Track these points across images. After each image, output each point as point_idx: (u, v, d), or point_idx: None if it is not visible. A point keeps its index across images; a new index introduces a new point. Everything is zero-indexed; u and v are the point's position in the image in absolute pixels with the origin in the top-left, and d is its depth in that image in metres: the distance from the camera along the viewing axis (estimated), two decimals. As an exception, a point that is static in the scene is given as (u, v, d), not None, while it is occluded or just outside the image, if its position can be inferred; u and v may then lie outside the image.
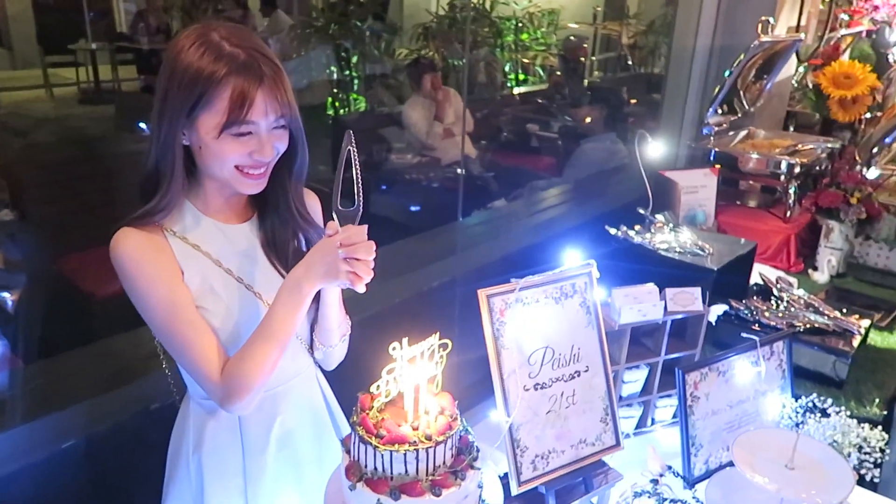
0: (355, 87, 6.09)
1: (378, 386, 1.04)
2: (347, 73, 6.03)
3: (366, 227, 1.10)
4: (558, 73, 6.81)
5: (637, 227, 2.36)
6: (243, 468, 1.26)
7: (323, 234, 1.30)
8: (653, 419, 1.78)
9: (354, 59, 6.08)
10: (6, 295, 2.21)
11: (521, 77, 7.65)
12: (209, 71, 1.06)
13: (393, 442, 1.01)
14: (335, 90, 5.87)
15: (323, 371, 1.41)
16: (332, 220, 1.10)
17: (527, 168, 4.87)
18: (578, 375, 1.34)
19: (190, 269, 1.16)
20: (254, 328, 1.14)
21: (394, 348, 1.03)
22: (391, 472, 1.02)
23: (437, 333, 1.09)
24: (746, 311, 2.14)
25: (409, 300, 2.16)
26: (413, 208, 3.91)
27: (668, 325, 1.66)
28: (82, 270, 3.18)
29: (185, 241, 1.17)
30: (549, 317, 1.31)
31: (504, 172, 4.64)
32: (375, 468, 1.03)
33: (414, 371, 1.05)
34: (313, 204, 1.34)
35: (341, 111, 5.90)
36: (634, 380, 1.71)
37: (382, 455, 1.01)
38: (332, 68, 5.88)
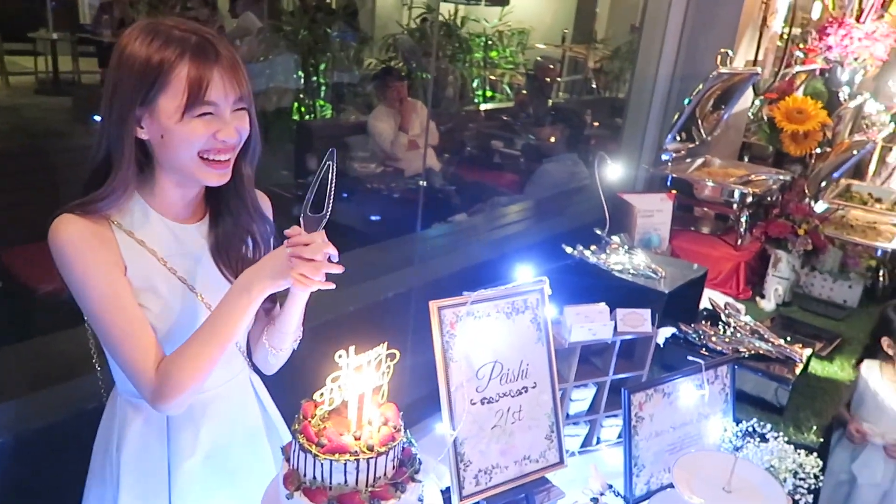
0: (322, 94, 6.05)
1: (321, 394, 1.02)
2: (315, 79, 6.00)
3: (321, 232, 1.08)
4: (524, 91, 6.89)
5: (593, 248, 2.39)
6: (168, 473, 1.23)
7: (273, 229, 1.30)
8: (598, 438, 1.79)
9: (322, 66, 6.05)
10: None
11: (489, 94, 7.71)
12: (161, 56, 1.05)
13: (333, 451, 1.00)
14: (301, 96, 5.83)
15: (263, 378, 1.38)
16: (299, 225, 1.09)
17: (489, 184, 4.91)
18: (526, 391, 1.35)
19: (133, 264, 1.13)
20: (192, 331, 1.12)
21: (339, 356, 1.02)
22: (330, 482, 1.01)
23: (385, 343, 1.08)
24: (694, 335, 2.18)
25: (364, 310, 2.14)
26: (373, 218, 3.90)
27: (617, 346, 1.68)
28: (27, 264, 3.07)
29: (131, 236, 1.14)
30: (500, 331, 1.31)
31: (467, 187, 4.66)
32: (314, 477, 1.01)
33: (359, 380, 1.04)
34: (265, 203, 1.33)
35: (307, 117, 5.86)
36: (582, 398, 1.73)
37: (322, 464, 1.00)
38: (299, 74, 5.85)
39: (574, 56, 8.91)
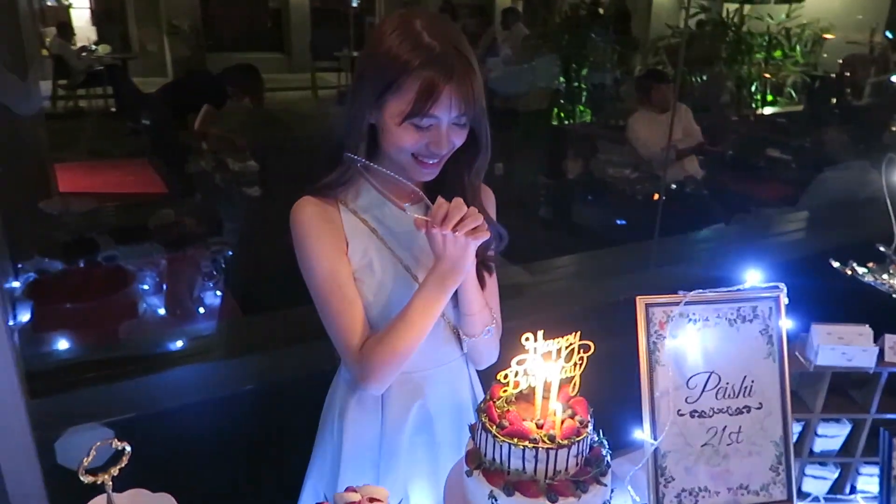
0: (582, 99, 6.03)
1: (506, 375, 1.00)
2: (576, 84, 6.00)
3: (438, 197, 1.12)
4: (816, 94, 6.12)
5: (870, 265, 2.02)
6: (380, 443, 1.30)
7: (498, 227, 1.29)
8: (853, 486, 1.50)
9: (584, 71, 6.02)
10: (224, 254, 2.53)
11: (769, 98, 6.99)
12: (404, 59, 1.09)
13: (512, 435, 0.97)
14: (561, 100, 5.87)
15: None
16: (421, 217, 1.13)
17: (756, 193, 4.45)
18: (748, 411, 1.18)
19: (354, 242, 1.22)
20: (405, 304, 1.17)
21: (527, 339, 0.99)
22: (508, 466, 0.98)
23: (579, 332, 1.02)
24: None
25: (590, 310, 2.07)
26: (619, 221, 3.77)
27: (883, 378, 1.39)
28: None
29: (355, 215, 1.23)
30: (720, 339, 1.17)
31: (730, 195, 4.29)
32: (493, 459, 1.00)
33: (547, 367, 1.00)
34: (488, 198, 1.34)
35: (566, 121, 5.89)
36: (832, 435, 1.46)
37: (501, 446, 0.98)
38: (561, 79, 5.89)
39: (885, 52, 7.65)
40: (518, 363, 1.00)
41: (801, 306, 1.40)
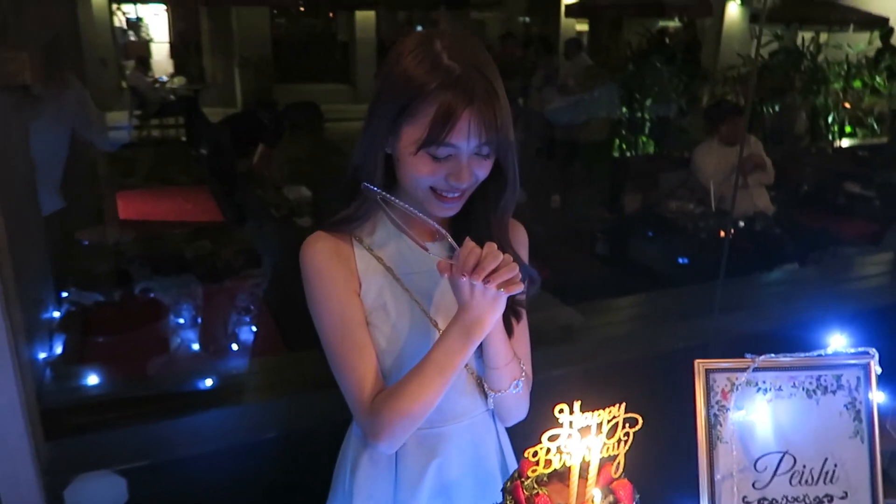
0: (646, 130, 5.83)
1: (535, 452, 0.86)
2: (639, 114, 5.81)
3: (467, 240, 0.99)
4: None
5: (973, 319, 1.78)
6: None
7: (529, 270, 1.16)
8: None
9: (648, 102, 5.83)
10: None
11: (848, 129, 6.61)
12: (420, 81, 0.98)
13: (541, 526, 0.83)
14: (623, 131, 5.68)
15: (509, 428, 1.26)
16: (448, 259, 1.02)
17: (835, 231, 4.15)
18: (830, 501, 0.99)
19: (368, 281, 1.11)
20: (422, 354, 1.05)
21: (560, 411, 0.84)
22: (536, 563, 0.84)
23: (623, 404, 0.87)
24: None
25: (646, 358, 1.89)
26: (681, 260, 3.55)
27: None
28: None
29: (370, 252, 1.12)
30: (796, 414, 0.99)
31: (805, 233, 4.01)
32: (520, 551, 0.85)
33: (583, 444, 0.85)
34: (518, 236, 1.21)
35: (628, 153, 5.69)
36: (933, 525, 1.24)
37: (528, 539, 0.83)
38: (624, 109, 5.71)
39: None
40: (550, 439, 0.85)
41: (893, 369, 1.21)
